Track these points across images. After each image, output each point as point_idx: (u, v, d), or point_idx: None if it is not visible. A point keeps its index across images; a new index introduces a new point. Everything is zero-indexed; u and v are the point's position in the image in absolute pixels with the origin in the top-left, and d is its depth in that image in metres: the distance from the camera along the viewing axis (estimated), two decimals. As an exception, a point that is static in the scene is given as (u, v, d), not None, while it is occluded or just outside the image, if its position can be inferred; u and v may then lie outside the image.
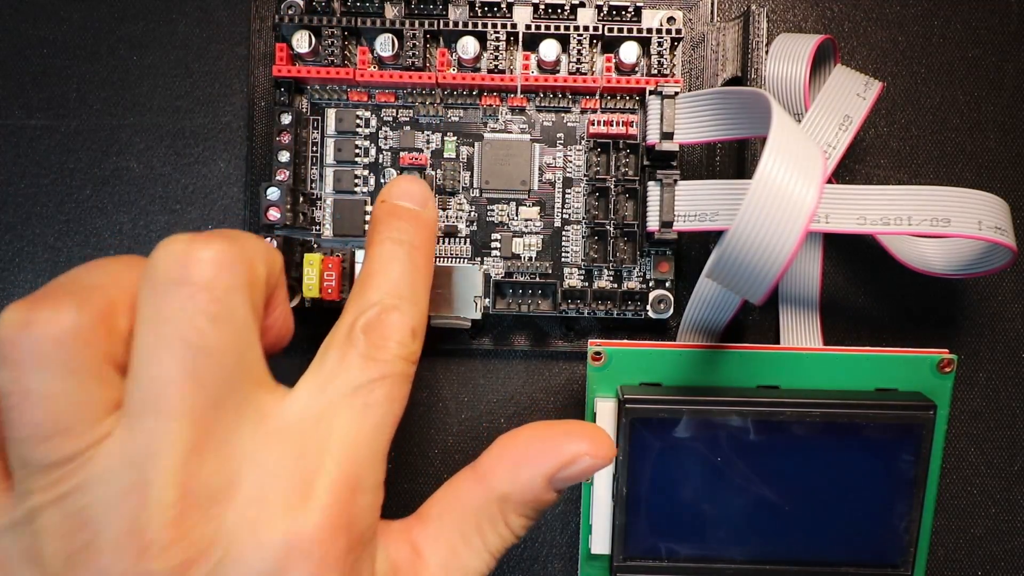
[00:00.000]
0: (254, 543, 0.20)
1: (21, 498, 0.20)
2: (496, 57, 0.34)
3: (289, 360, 0.38)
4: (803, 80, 0.34)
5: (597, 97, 0.35)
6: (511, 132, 0.36)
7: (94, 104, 0.37)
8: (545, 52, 0.34)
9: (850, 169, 0.38)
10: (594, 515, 0.33)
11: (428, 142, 0.36)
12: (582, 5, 0.35)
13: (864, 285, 0.38)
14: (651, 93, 0.33)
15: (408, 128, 0.36)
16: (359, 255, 0.35)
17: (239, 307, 0.21)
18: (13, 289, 0.37)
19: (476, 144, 0.36)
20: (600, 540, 0.33)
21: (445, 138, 0.36)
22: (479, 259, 0.36)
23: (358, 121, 0.36)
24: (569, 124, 0.36)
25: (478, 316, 0.34)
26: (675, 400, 0.32)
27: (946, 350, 0.33)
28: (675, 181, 0.33)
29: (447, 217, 0.36)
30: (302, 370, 0.37)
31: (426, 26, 0.34)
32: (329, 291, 0.34)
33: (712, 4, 0.36)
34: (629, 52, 0.34)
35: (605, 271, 0.36)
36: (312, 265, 0.34)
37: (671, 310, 0.35)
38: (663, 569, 0.33)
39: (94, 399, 0.20)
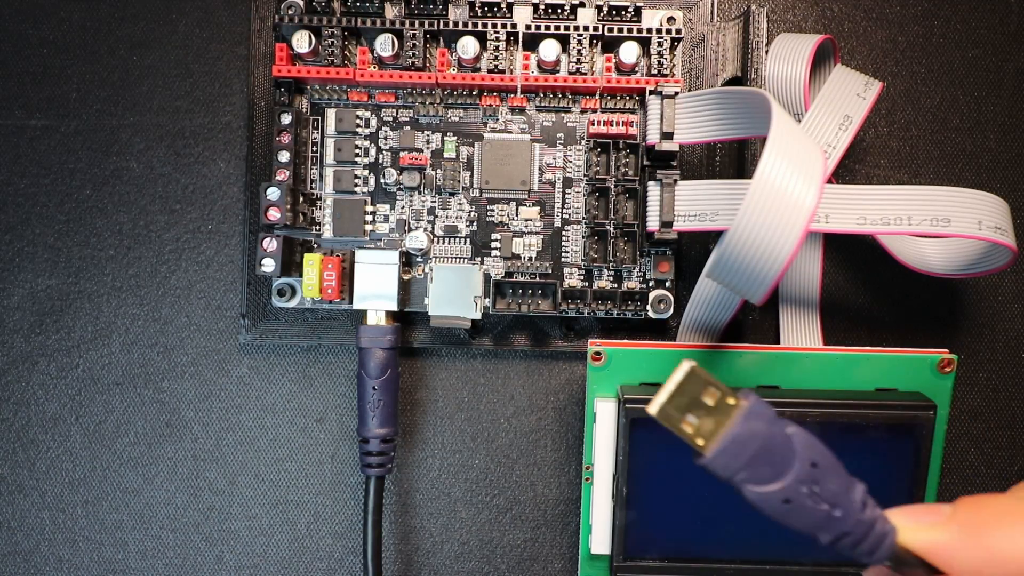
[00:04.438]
0: None
1: None
2: (496, 57, 0.34)
3: (290, 359, 0.38)
4: (803, 80, 0.34)
5: (597, 97, 0.35)
6: (511, 132, 0.36)
7: (94, 104, 0.37)
8: (545, 52, 0.34)
9: (850, 169, 0.38)
10: (594, 515, 0.33)
11: (428, 142, 0.36)
12: (582, 5, 0.35)
13: (864, 285, 0.38)
14: (651, 93, 0.33)
15: (408, 128, 0.36)
16: (359, 255, 0.35)
17: None
18: (13, 289, 0.37)
19: (476, 144, 0.36)
20: (600, 540, 0.33)
21: (445, 138, 0.36)
22: (479, 259, 0.36)
23: (358, 121, 0.36)
24: (569, 124, 0.36)
25: (478, 316, 0.34)
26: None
27: (946, 350, 0.33)
28: (675, 181, 0.33)
29: (447, 217, 0.36)
30: (303, 369, 0.37)
31: (426, 26, 0.34)
32: (329, 291, 0.34)
33: (712, 4, 0.36)
34: (629, 52, 0.34)
35: (605, 271, 0.36)
36: (312, 265, 0.34)
37: (671, 310, 0.35)
38: (663, 569, 0.33)
39: None
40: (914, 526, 0.23)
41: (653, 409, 0.23)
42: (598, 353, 0.33)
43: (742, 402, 0.22)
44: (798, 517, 0.22)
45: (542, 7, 0.35)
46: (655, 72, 0.34)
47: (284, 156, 0.34)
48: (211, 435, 0.37)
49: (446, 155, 0.36)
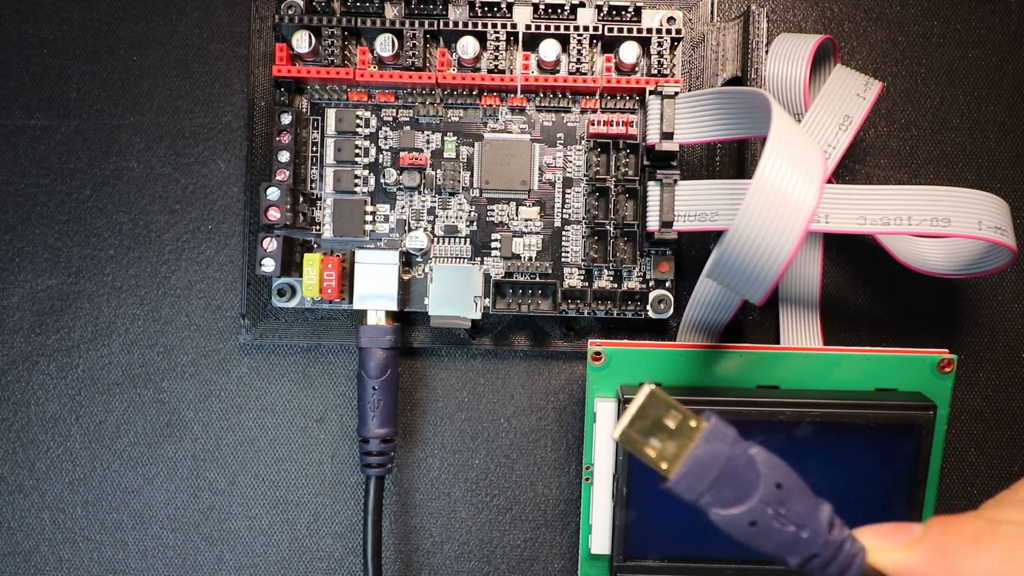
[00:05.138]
0: None
1: None
2: (496, 57, 0.34)
3: (290, 359, 0.38)
4: (803, 80, 0.34)
5: (597, 97, 0.35)
6: (511, 132, 0.36)
7: (94, 104, 0.37)
8: (545, 52, 0.34)
9: (850, 169, 0.38)
10: (594, 515, 0.33)
11: (428, 142, 0.36)
12: (582, 5, 0.35)
13: (864, 285, 0.38)
14: (651, 93, 0.33)
15: (408, 128, 0.36)
16: (359, 255, 0.35)
17: None
18: (13, 289, 0.37)
19: (476, 144, 0.36)
20: (600, 540, 0.33)
21: (445, 138, 0.36)
22: (479, 259, 0.36)
23: (358, 121, 0.36)
24: (569, 124, 0.36)
25: (478, 316, 0.34)
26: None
27: (946, 350, 0.33)
28: (675, 181, 0.33)
29: (447, 217, 0.36)
30: (303, 369, 0.37)
31: (426, 26, 0.34)
32: (329, 291, 0.34)
33: (712, 4, 0.36)
34: (629, 52, 0.34)
35: (605, 271, 0.36)
36: (312, 265, 0.34)
37: (671, 310, 0.35)
38: (663, 569, 0.33)
39: None
40: (883, 546, 0.23)
41: (616, 434, 0.23)
42: (598, 353, 0.33)
43: (703, 424, 0.22)
44: (765, 539, 0.23)
45: (542, 7, 0.35)
46: (655, 72, 0.34)
47: (284, 156, 0.34)
48: (211, 435, 0.37)
49: (446, 155, 0.36)
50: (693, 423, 0.23)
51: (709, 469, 0.22)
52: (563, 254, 0.36)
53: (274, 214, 0.33)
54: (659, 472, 0.23)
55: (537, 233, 0.36)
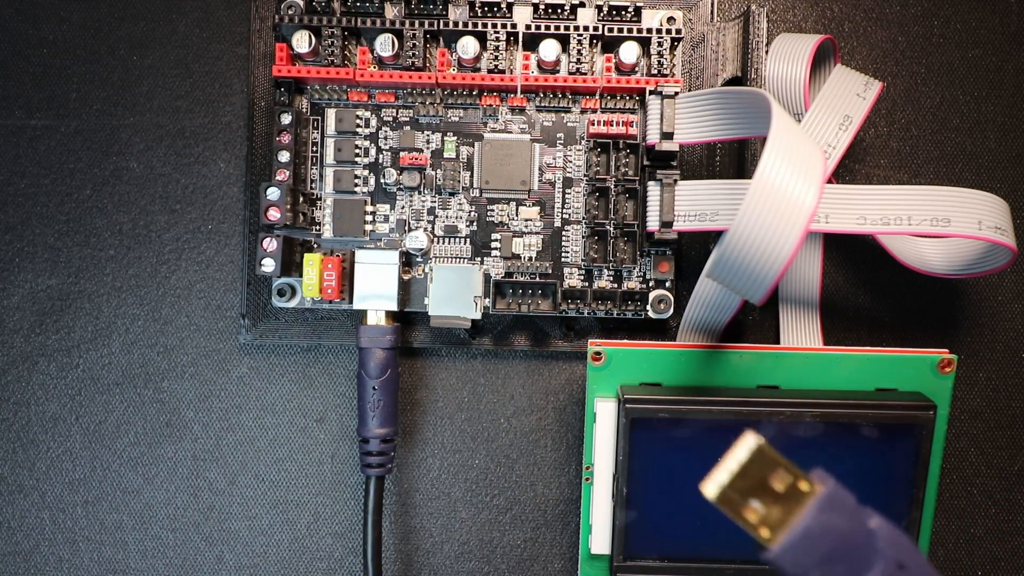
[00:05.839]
0: None
1: None
2: (496, 57, 0.34)
3: (290, 359, 0.38)
4: (803, 80, 0.34)
5: (597, 97, 0.35)
6: (511, 132, 0.36)
7: (94, 104, 0.37)
8: (545, 52, 0.34)
9: (850, 169, 0.38)
10: (594, 515, 0.33)
11: (428, 142, 0.36)
12: (582, 5, 0.35)
13: (864, 285, 0.38)
14: (651, 93, 0.33)
15: (408, 128, 0.36)
16: (359, 255, 0.35)
17: None
18: (13, 289, 0.37)
19: (476, 144, 0.36)
20: (600, 540, 0.33)
21: (445, 138, 0.36)
22: (479, 259, 0.36)
23: (358, 121, 0.36)
24: (569, 124, 0.36)
25: (478, 316, 0.34)
26: (675, 400, 0.32)
27: (946, 350, 0.33)
28: (675, 181, 0.33)
29: (447, 217, 0.36)
30: (303, 369, 0.37)
31: (426, 26, 0.34)
32: (329, 291, 0.34)
33: (712, 4, 0.36)
34: (629, 52, 0.34)
35: (605, 271, 0.36)
36: (312, 265, 0.34)
37: (671, 310, 0.35)
38: (663, 569, 0.33)
39: None
40: None
41: (711, 492, 0.20)
42: (598, 353, 0.33)
43: (817, 488, 0.19)
44: None
45: (542, 7, 0.35)
46: (655, 72, 0.34)
47: (284, 156, 0.34)
48: (211, 435, 0.37)
49: (446, 155, 0.36)
50: (804, 486, 0.19)
51: (819, 543, 0.19)
52: (563, 254, 0.36)
53: (274, 214, 0.33)
54: (758, 540, 0.20)
55: (537, 233, 0.36)
